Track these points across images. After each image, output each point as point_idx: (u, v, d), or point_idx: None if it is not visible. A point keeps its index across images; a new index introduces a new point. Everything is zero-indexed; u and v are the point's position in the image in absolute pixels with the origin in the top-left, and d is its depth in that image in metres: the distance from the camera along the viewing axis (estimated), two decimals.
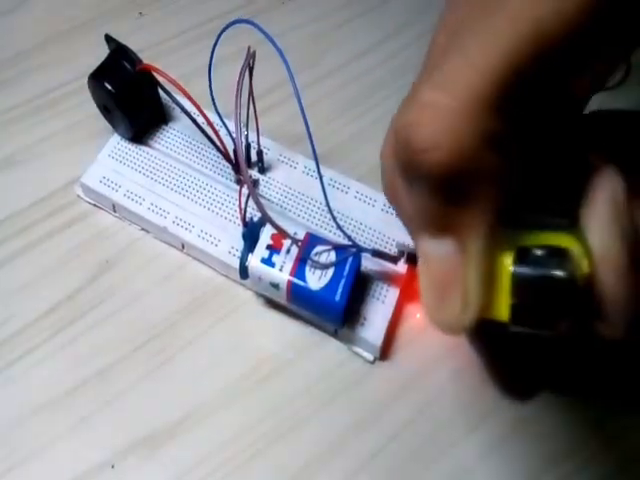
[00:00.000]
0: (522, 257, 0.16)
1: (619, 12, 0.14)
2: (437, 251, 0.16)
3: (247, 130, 0.32)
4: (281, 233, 0.28)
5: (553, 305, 0.15)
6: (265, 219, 0.27)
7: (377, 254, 0.29)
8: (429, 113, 0.14)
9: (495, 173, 0.15)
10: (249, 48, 0.29)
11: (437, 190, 0.15)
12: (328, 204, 0.29)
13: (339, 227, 0.29)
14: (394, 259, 0.29)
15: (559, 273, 0.15)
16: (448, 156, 0.14)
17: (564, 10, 0.14)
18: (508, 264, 0.16)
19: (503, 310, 0.16)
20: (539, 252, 0.16)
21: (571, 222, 0.16)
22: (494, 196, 0.15)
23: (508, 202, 0.16)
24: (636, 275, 0.15)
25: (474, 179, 0.15)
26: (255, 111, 0.31)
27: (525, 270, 0.15)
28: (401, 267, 0.31)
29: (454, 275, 0.16)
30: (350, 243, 0.29)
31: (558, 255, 0.15)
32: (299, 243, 0.29)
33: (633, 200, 0.16)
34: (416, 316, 0.32)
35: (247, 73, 0.29)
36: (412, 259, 0.29)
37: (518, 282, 0.16)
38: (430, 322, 0.17)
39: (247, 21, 0.28)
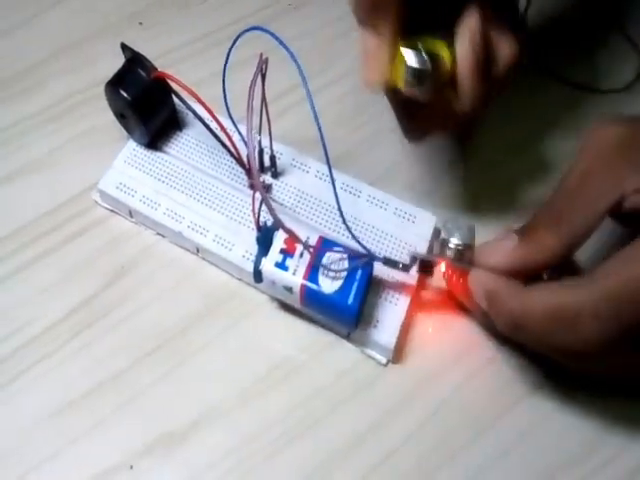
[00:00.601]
0: (412, 54, 0.27)
1: None
2: (367, 36, 0.27)
3: (260, 135, 0.33)
4: (293, 238, 0.28)
5: (422, 80, 0.27)
6: (277, 224, 0.27)
7: (389, 263, 0.29)
8: None
9: None
10: (261, 55, 0.29)
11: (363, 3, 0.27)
12: (340, 210, 0.29)
13: (354, 237, 0.29)
14: (406, 268, 0.29)
15: (425, 67, 0.27)
16: None
17: None
18: (404, 55, 0.27)
19: (399, 81, 0.28)
20: (422, 53, 0.27)
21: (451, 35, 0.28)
22: (398, 9, 0.27)
23: (412, 16, 0.27)
24: (478, 77, 0.27)
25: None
26: (268, 117, 0.31)
27: (411, 62, 0.27)
28: (413, 274, 0.31)
29: (375, 51, 0.27)
30: (362, 249, 0.29)
31: (431, 57, 0.27)
32: (312, 248, 0.29)
33: (490, 27, 0.28)
34: (428, 330, 0.32)
35: (259, 79, 0.30)
36: (424, 267, 0.29)
37: (407, 67, 0.27)
38: (360, 81, 0.28)
39: (262, 28, 0.28)
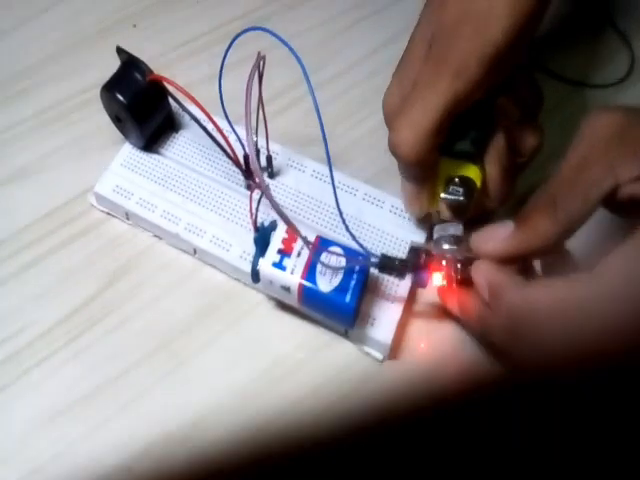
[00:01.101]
0: (446, 186, 0.31)
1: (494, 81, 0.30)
2: (410, 187, 0.32)
3: (256, 135, 0.33)
4: (295, 233, 0.28)
5: (459, 209, 0.31)
6: (281, 218, 0.27)
7: (384, 269, 0.29)
8: (403, 140, 0.29)
9: (432, 160, 0.30)
10: (259, 53, 0.29)
11: (406, 168, 0.31)
12: (339, 209, 0.29)
13: (353, 237, 0.29)
14: (401, 273, 0.29)
15: (461, 199, 0.31)
16: (412, 156, 0.29)
17: (465, 89, 0.28)
18: (440, 191, 0.31)
19: (440, 209, 0.32)
20: (455, 182, 0.31)
21: (481, 152, 0.31)
22: (431, 169, 0.31)
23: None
24: (506, 181, 0.32)
25: (423, 164, 0.30)
26: (264, 117, 0.32)
27: (446, 196, 0.31)
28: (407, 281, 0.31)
29: (416, 197, 0.32)
30: (360, 247, 0.29)
31: (464, 184, 0.31)
32: (309, 246, 0.29)
33: (514, 141, 0.32)
34: (423, 330, 0.32)
35: (256, 78, 0.29)
36: (420, 266, 0.29)
37: (446, 206, 0.31)
38: (407, 211, 0.34)
39: (262, 28, 0.28)
